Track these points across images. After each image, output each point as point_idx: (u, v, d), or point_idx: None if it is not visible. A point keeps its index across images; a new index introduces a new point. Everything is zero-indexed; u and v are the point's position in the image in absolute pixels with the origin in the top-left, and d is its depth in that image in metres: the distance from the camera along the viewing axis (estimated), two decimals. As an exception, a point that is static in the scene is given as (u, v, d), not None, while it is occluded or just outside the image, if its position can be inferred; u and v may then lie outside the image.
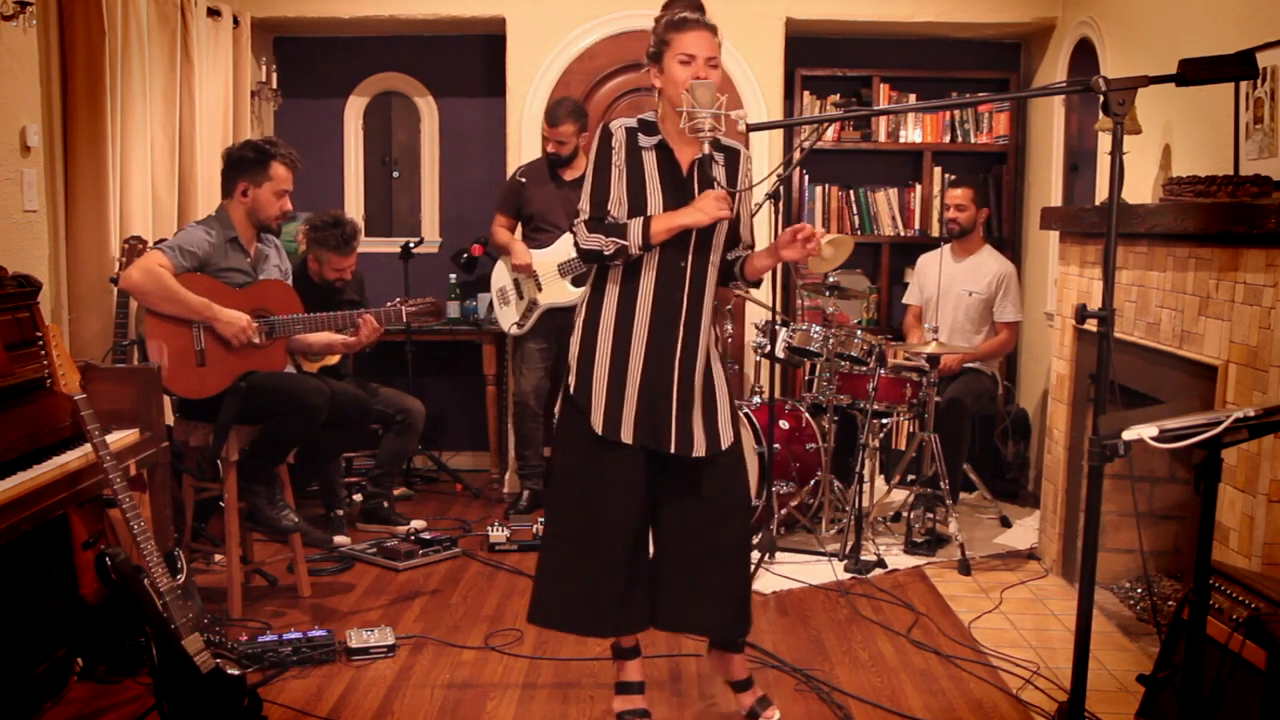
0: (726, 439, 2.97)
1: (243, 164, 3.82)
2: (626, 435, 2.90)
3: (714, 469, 2.97)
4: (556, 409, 3.05)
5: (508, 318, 5.12)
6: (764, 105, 5.48)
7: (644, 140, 2.89)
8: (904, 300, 5.57)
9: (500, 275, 5.15)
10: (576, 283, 4.98)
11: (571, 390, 2.95)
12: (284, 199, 3.87)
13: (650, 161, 2.89)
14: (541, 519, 4.65)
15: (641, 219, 2.84)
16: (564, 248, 4.98)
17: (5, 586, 2.96)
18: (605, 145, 2.90)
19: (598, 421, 2.91)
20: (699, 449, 2.92)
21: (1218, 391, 3.21)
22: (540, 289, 5.01)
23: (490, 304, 5.26)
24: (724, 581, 2.99)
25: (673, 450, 2.91)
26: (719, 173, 2.92)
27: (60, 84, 3.92)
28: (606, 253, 2.86)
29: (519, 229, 5.17)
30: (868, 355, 4.68)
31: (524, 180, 5.10)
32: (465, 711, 3.16)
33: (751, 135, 5.36)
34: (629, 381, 2.90)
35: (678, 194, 2.89)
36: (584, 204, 2.92)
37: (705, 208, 2.81)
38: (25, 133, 3.70)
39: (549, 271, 4.98)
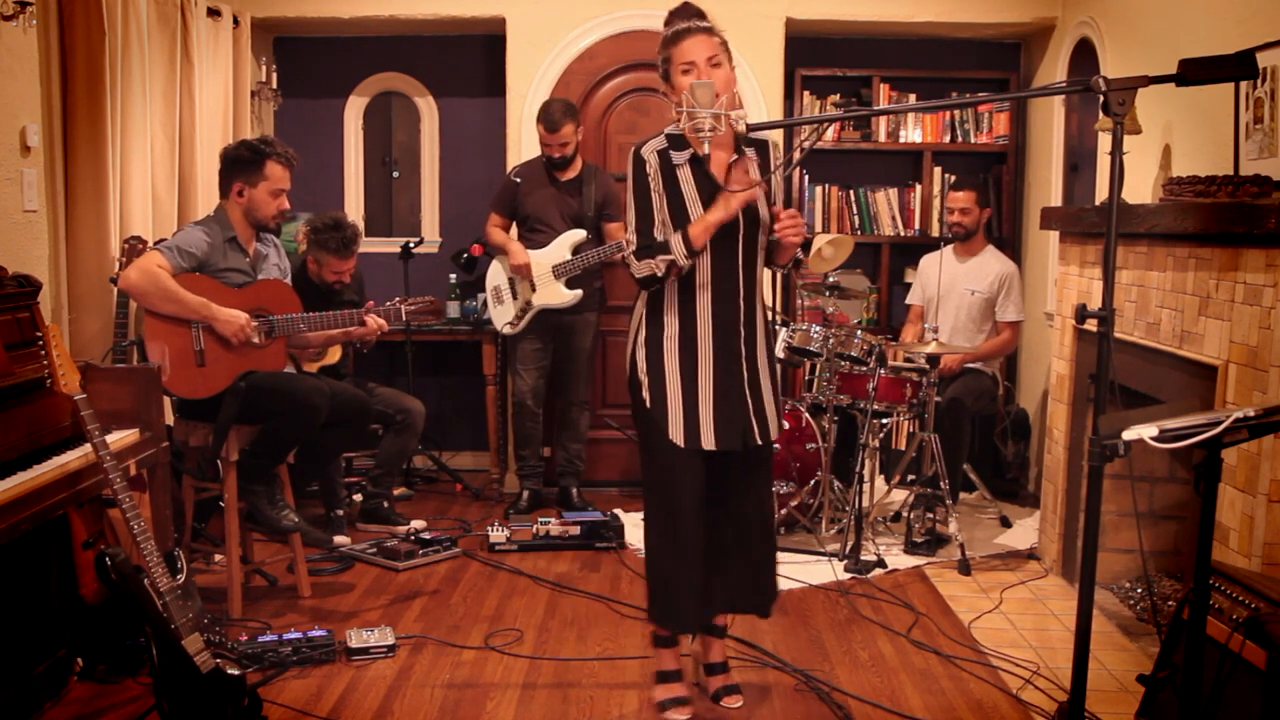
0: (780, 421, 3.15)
1: (238, 164, 3.81)
2: (708, 442, 2.99)
3: (762, 460, 3.11)
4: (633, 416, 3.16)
5: (501, 317, 5.12)
6: (764, 105, 5.48)
7: (676, 157, 2.96)
8: (907, 300, 5.58)
9: (495, 274, 5.15)
10: (571, 285, 4.98)
11: (648, 405, 3.02)
12: (281, 198, 3.85)
13: (686, 176, 2.95)
14: (542, 519, 4.69)
15: (680, 231, 2.89)
16: (559, 250, 4.97)
17: (5, 586, 2.96)
18: (641, 173, 2.96)
19: (678, 435, 3.00)
20: (774, 431, 3.10)
21: (1218, 391, 3.21)
22: (535, 290, 5.00)
23: (485, 301, 5.25)
24: (758, 563, 3.17)
25: (758, 443, 3.05)
26: (750, 166, 2.99)
27: (60, 84, 3.92)
28: (659, 273, 2.92)
29: (514, 230, 5.16)
30: (868, 355, 4.68)
31: (519, 181, 5.09)
32: (465, 711, 3.16)
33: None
34: (701, 391, 2.99)
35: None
36: (630, 235, 2.99)
37: (727, 202, 2.85)
38: (25, 133, 3.70)
39: (544, 273, 4.98)
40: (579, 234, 4.98)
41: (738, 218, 2.93)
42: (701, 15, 2.98)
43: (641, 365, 3.04)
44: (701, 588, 3.07)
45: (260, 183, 3.80)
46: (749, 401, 3.02)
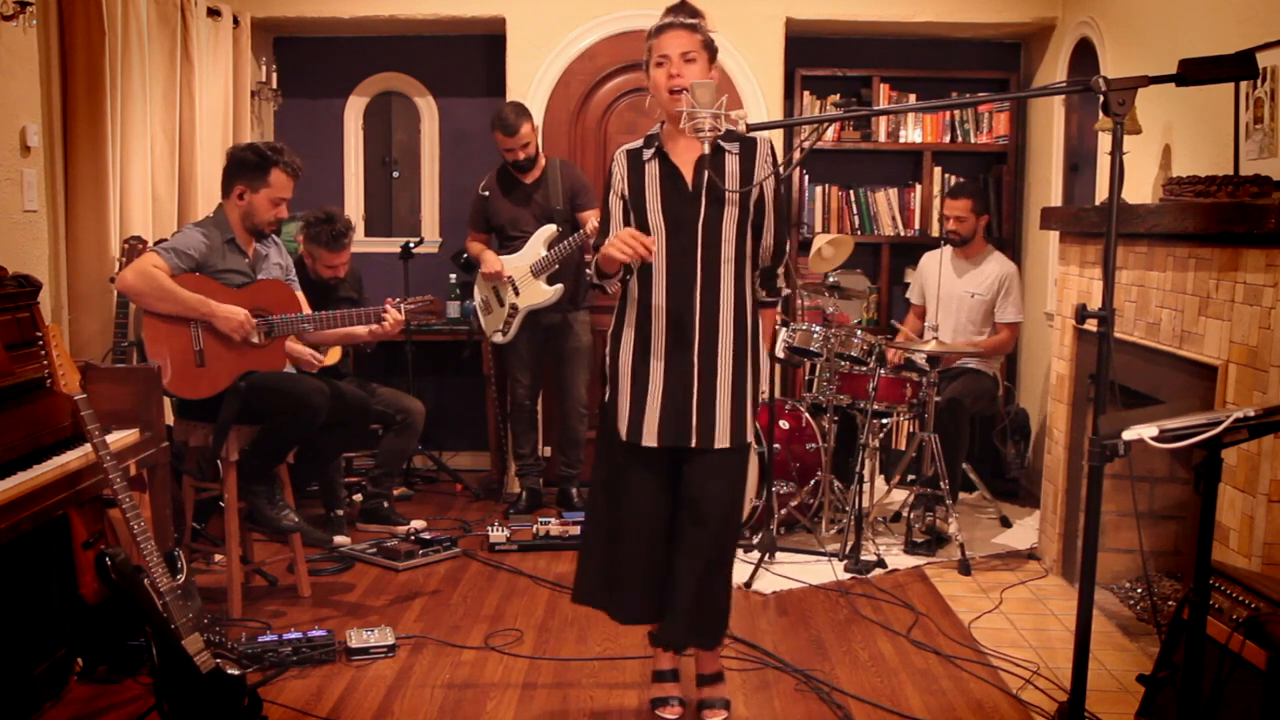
0: (748, 434, 3.03)
1: (244, 167, 3.80)
2: (650, 439, 2.98)
3: (712, 469, 2.99)
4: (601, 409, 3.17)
5: (491, 327, 5.14)
6: (764, 105, 5.48)
7: (645, 154, 2.99)
8: (907, 295, 5.57)
9: (479, 287, 5.18)
10: (552, 280, 4.98)
11: (605, 397, 3.08)
12: (281, 206, 3.83)
13: (652, 173, 2.97)
14: (542, 519, 4.70)
15: (599, 253, 2.95)
16: (533, 249, 4.98)
17: (5, 586, 2.96)
18: (608, 176, 3.06)
19: (623, 427, 3.01)
20: (721, 440, 2.98)
21: (1218, 391, 3.21)
22: (518, 294, 5.00)
23: (475, 312, 5.26)
24: (691, 584, 2.99)
25: (694, 444, 2.97)
26: (731, 163, 2.95)
27: (60, 84, 3.92)
28: (591, 283, 3.03)
29: (494, 241, 5.17)
30: (868, 355, 4.68)
31: (486, 194, 5.10)
32: (465, 711, 3.16)
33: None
34: (651, 385, 2.98)
35: (678, 199, 2.94)
36: (598, 237, 3.08)
37: (618, 245, 2.80)
38: (25, 133, 3.70)
39: (523, 275, 4.98)
40: (550, 229, 4.98)
41: (698, 205, 2.91)
42: (695, 14, 2.96)
43: (608, 357, 3.08)
44: (640, 585, 3.03)
45: (262, 189, 3.79)
46: (694, 400, 2.95)
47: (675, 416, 2.96)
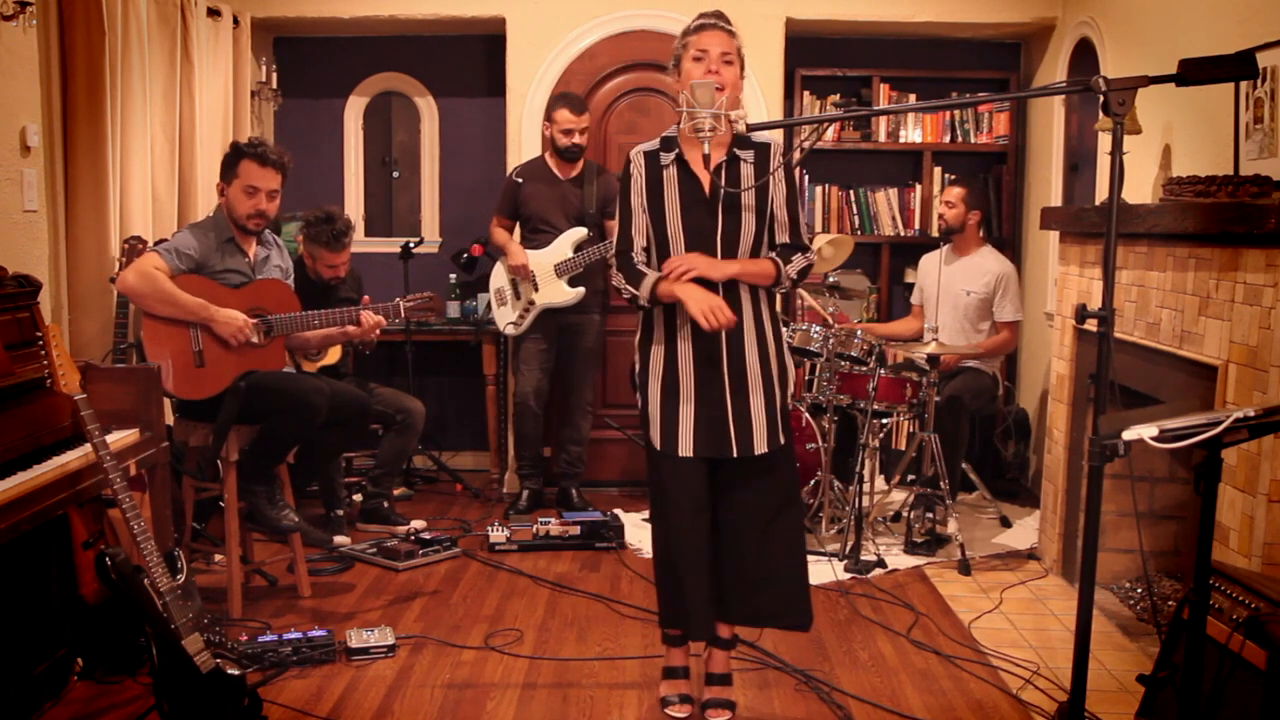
0: (781, 435, 3.03)
1: (223, 164, 3.83)
2: (686, 448, 2.98)
3: (767, 463, 3.02)
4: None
5: (504, 318, 5.12)
6: (764, 105, 5.48)
7: (664, 158, 2.98)
8: (911, 299, 5.58)
9: (498, 276, 5.15)
10: (573, 283, 4.98)
11: (639, 406, 3.08)
12: (256, 197, 3.77)
13: (670, 177, 2.96)
14: (542, 519, 4.70)
15: (655, 276, 2.93)
16: (560, 248, 4.98)
17: (5, 586, 2.96)
18: (626, 176, 3.02)
19: (656, 437, 3.01)
20: (760, 446, 2.98)
21: (1218, 391, 3.21)
22: (537, 289, 5.00)
23: (489, 304, 5.26)
24: (778, 573, 3.03)
25: (735, 455, 2.98)
26: (747, 171, 2.96)
27: (60, 84, 3.92)
28: (625, 297, 3.00)
29: (518, 230, 5.17)
30: (868, 355, 4.68)
31: (520, 180, 5.09)
32: (465, 711, 3.16)
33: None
34: (682, 394, 2.98)
35: (697, 209, 2.95)
36: (618, 236, 3.04)
37: (704, 310, 2.83)
38: (25, 133, 3.70)
39: (546, 272, 4.98)
40: (580, 232, 4.98)
41: (717, 216, 2.92)
42: (729, 22, 3.01)
43: (636, 366, 3.07)
44: (705, 592, 3.03)
45: (234, 180, 3.78)
46: (729, 410, 2.96)
47: (709, 427, 2.96)
